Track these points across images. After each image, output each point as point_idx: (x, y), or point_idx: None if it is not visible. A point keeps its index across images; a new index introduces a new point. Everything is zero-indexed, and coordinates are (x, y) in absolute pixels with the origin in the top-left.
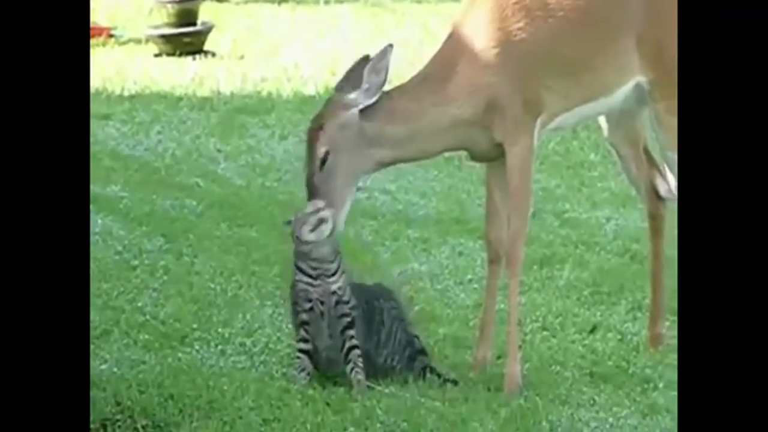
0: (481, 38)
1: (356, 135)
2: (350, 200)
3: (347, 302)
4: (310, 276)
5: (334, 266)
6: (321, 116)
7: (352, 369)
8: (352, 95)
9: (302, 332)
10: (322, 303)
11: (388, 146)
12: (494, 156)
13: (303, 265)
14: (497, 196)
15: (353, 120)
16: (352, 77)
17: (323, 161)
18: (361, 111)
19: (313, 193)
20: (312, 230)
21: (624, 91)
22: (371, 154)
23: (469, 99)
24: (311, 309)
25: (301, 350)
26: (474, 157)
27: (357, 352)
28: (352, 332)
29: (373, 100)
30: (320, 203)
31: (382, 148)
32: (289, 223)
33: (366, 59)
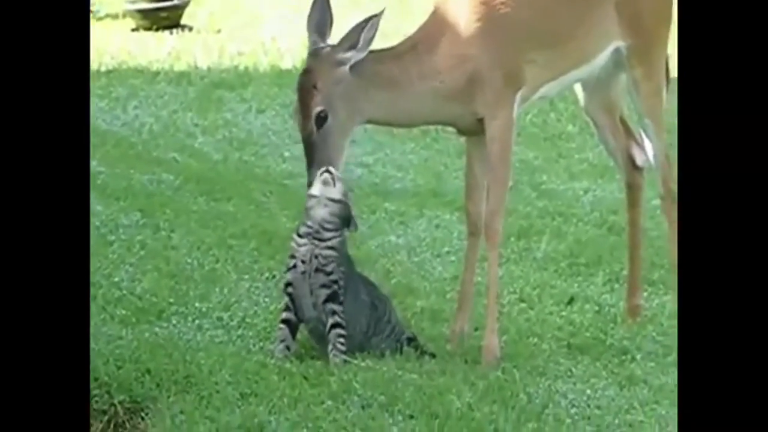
0: (464, 12)
1: (348, 90)
2: (346, 152)
3: (329, 273)
4: (299, 234)
5: (327, 234)
6: (312, 73)
7: (331, 350)
8: (348, 53)
9: (286, 298)
10: (303, 262)
11: (375, 106)
12: (479, 131)
13: (299, 226)
14: (477, 169)
15: (345, 76)
16: (350, 37)
17: (320, 119)
18: (351, 67)
19: (311, 151)
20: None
21: (603, 56)
22: (361, 108)
23: (451, 72)
24: (294, 267)
25: (282, 320)
26: (460, 131)
27: (339, 331)
28: (334, 306)
29: (363, 55)
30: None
31: (370, 105)
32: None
33: (367, 21)
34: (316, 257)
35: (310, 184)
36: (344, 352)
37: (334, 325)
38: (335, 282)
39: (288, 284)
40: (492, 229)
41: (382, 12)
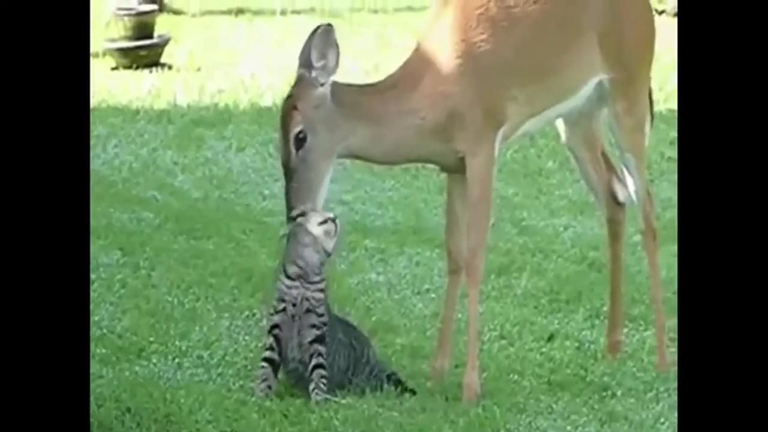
0: (445, 49)
1: (328, 114)
2: (327, 181)
3: (320, 315)
4: (289, 277)
5: (317, 278)
6: (293, 97)
7: (314, 389)
8: (314, 73)
9: (270, 339)
10: (294, 305)
11: (355, 138)
12: (461, 168)
13: (287, 266)
14: (458, 207)
15: (325, 99)
16: (304, 53)
17: (299, 141)
18: (332, 94)
19: (290, 176)
20: (320, 223)
21: (587, 90)
22: (341, 137)
23: (431, 109)
24: (284, 310)
25: (265, 359)
26: (443, 169)
27: (321, 372)
28: (320, 348)
29: (332, 77)
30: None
31: (350, 136)
32: (283, 237)
33: (313, 33)
34: (307, 299)
35: (289, 213)
36: (326, 392)
37: (318, 366)
38: (324, 324)
39: (275, 326)
40: (473, 266)
41: (329, 24)
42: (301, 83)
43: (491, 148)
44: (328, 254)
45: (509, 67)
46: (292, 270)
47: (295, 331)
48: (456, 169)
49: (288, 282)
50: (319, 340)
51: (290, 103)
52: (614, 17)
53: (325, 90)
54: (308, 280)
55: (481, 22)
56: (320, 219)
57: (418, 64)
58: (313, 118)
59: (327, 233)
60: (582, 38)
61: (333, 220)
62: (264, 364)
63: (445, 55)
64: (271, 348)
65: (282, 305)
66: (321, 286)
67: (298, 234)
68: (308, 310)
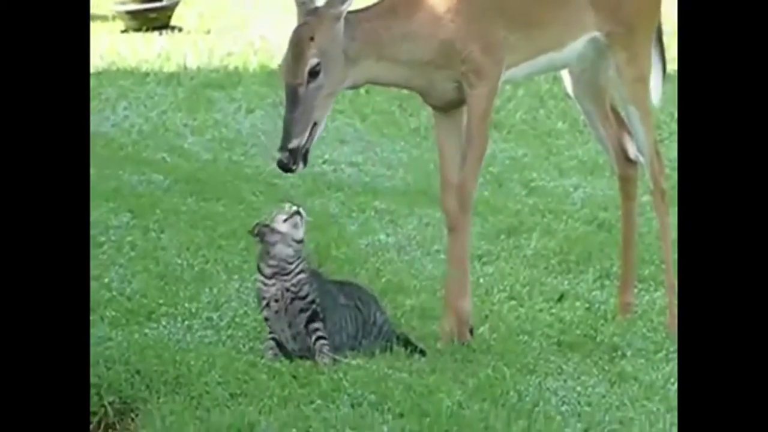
0: None
1: (340, 49)
2: (327, 116)
3: (304, 297)
4: (264, 275)
5: (292, 267)
6: (310, 25)
7: (317, 355)
8: (344, 6)
9: (267, 324)
10: (276, 301)
11: (360, 65)
12: (450, 98)
13: (261, 265)
14: (450, 167)
15: (340, 34)
16: None
17: (313, 74)
18: (345, 28)
19: (294, 103)
20: (286, 220)
21: (576, 46)
22: (353, 70)
23: (430, 37)
24: (267, 305)
25: (270, 336)
26: (430, 98)
27: (323, 342)
28: (316, 325)
29: (347, 5)
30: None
31: (356, 66)
32: (254, 233)
33: None
34: (287, 290)
35: (286, 143)
36: (331, 354)
37: (318, 338)
38: (312, 302)
39: (266, 319)
40: (464, 192)
41: None
42: (316, 13)
43: (492, 82)
44: (300, 241)
45: (499, 9)
46: (267, 270)
47: (286, 323)
48: (445, 99)
49: (265, 280)
50: (312, 319)
51: (306, 32)
52: None
53: (341, 24)
54: (284, 273)
55: None
56: (285, 216)
57: None
58: (328, 52)
59: (294, 226)
60: None
61: (298, 212)
62: (270, 336)
63: None
64: (269, 331)
65: (264, 302)
66: (297, 269)
67: (265, 235)
68: (292, 299)
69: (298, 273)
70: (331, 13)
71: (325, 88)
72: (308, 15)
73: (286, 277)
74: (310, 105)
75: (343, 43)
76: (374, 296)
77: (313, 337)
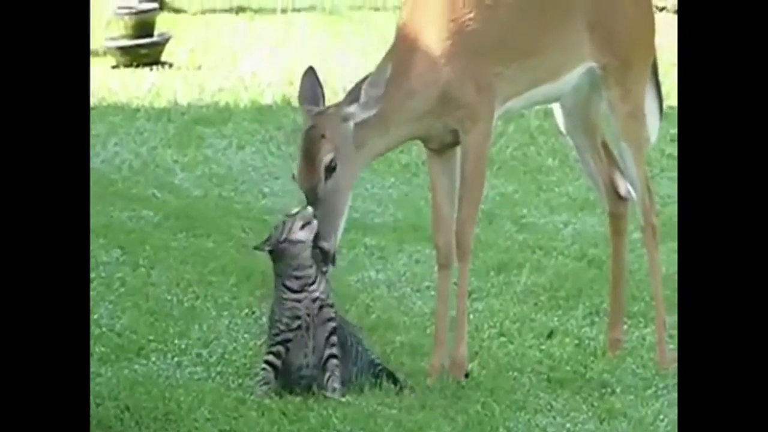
0: (434, 30)
1: (352, 145)
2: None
3: (331, 305)
4: (295, 291)
5: (312, 271)
6: (319, 127)
7: (329, 377)
8: (351, 108)
9: (279, 348)
10: (308, 315)
11: (369, 146)
12: (448, 141)
13: (288, 282)
14: (443, 202)
15: (350, 132)
16: (353, 93)
17: (330, 170)
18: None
19: (316, 204)
20: (304, 226)
21: (573, 76)
22: (364, 153)
23: (426, 90)
24: (299, 327)
25: (268, 362)
26: (429, 143)
27: (335, 361)
28: (334, 339)
29: (372, 113)
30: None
31: (364, 147)
32: (258, 248)
33: (365, 77)
34: (316, 299)
35: (317, 243)
36: (342, 382)
37: (332, 356)
38: (336, 312)
39: (286, 341)
40: (463, 239)
41: (384, 68)
42: (324, 114)
43: (487, 122)
44: (315, 243)
45: (494, 44)
46: (295, 284)
47: (310, 336)
48: (444, 143)
49: (294, 296)
50: (333, 332)
51: (317, 132)
52: (606, 4)
53: (350, 123)
54: (311, 282)
55: (468, 2)
56: (302, 223)
57: (406, 48)
58: (341, 148)
59: (311, 231)
60: (569, 22)
61: (314, 215)
62: (266, 366)
63: (434, 36)
64: (277, 355)
65: (297, 323)
66: (320, 280)
67: (287, 250)
68: (321, 307)
69: (321, 278)
70: (341, 113)
71: (344, 178)
72: (315, 118)
73: (312, 287)
74: (333, 200)
75: (353, 138)
76: (354, 327)
77: (327, 353)
